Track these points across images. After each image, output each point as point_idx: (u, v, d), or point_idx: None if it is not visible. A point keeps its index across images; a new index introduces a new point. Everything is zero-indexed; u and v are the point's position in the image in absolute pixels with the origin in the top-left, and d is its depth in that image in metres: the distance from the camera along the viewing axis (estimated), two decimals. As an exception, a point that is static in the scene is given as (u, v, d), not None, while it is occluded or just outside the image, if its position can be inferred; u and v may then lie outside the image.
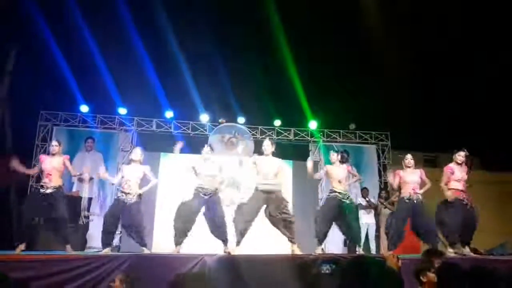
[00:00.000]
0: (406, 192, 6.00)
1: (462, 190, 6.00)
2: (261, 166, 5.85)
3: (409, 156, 6.19)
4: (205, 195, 5.75)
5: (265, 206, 5.73)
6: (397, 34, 8.24)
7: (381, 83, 9.16)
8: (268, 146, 5.94)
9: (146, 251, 5.70)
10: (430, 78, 9.33)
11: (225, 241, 5.75)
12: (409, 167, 6.10)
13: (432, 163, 11.61)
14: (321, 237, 6.00)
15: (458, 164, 6.13)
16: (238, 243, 5.65)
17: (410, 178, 6.03)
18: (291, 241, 5.73)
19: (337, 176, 6.12)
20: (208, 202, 5.76)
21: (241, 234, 5.62)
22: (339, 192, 6.03)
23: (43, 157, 5.90)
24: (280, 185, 5.87)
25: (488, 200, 10.28)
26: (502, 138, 9.76)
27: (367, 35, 8.45)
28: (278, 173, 5.90)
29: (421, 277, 3.16)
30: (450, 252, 5.86)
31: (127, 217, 5.61)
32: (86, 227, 7.65)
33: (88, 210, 7.92)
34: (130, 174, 5.76)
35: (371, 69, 9.04)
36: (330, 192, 6.15)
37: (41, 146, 8.73)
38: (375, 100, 9.48)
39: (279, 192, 5.77)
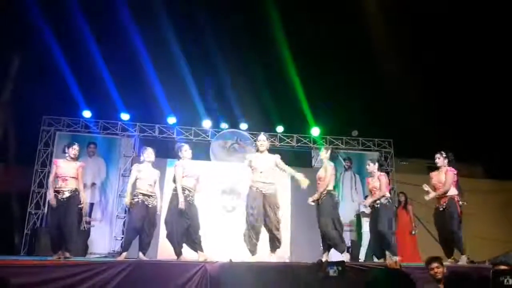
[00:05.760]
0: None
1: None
2: (256, 163, 5.56)
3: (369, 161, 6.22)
4: (190, 197, 5.53)
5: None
6: (399, 42, 8.24)
7: (384, 89, 9.15)
8: (264, 142, 5.63)
9: (141, 256, 5.47)
10: (432, 85, 9.30)
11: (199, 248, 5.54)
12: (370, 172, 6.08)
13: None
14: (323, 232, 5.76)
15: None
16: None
17: (373, 184, 6.02)
18: (271, 249, 5.59)
19: (319, 176, 5.81)
20: (191, 205, 5.54)
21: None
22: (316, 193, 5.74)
23: (58, 161, 5.47)
24: (275, 184, 5.57)
25: (491, 209, 10.23)
26: (506, 146, 9.70)
27: (370, 43, 8.45)
28: (275, 170, 5.59)
29: None
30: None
31: (148, 219, 5.42)
32: (87, 233, 7.61)
33: (90, 215, 7.90)
34: (148, 175, 5.49)
35: (374, 75, 9.02)
36: None
37: (44, 151, 8.72)
38: (378, 107, 9.46)
39: (273, 195, 5.49)
